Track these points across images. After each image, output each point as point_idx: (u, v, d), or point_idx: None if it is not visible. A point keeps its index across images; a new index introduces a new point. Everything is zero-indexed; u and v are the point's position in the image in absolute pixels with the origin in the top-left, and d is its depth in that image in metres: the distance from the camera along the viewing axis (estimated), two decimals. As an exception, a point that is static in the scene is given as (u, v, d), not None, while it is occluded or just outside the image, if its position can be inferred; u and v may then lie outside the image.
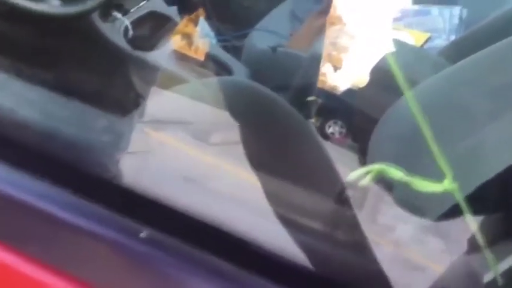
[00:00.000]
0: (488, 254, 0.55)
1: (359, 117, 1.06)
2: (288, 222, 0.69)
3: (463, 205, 0.55)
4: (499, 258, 0.58)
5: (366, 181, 0.53)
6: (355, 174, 0.53)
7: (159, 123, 0.89)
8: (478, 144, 0.79)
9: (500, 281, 0.54)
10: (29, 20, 0.84)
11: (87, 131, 0.72)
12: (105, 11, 1.00)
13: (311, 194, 0.73)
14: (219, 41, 1.46)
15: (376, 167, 0.54)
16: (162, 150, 0.83)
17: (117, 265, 0.56)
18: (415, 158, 0.85)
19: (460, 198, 0.54)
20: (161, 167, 0.76)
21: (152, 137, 0.86)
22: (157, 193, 0.60)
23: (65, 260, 0.57)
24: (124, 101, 0.85)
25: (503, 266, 0.57)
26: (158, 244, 0.54)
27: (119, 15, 1.03)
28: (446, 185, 0.55)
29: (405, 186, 0.55)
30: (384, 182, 0.65)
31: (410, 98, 0.58)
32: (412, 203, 0.66)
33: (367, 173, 0.53)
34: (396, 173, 0.55)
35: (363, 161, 0.93)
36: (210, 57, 1.22)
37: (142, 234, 0.53)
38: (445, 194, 0.55)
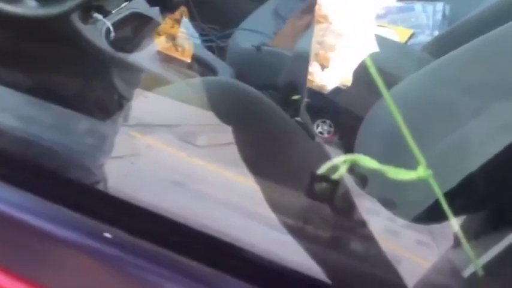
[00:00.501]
0: (468, 249, 0.55)
1: (344, 115, 1.06)
2: (291, 226, 0.68)
3: (440, 195, 0.54)
4: (484, 252, 0.58)
5: (340, 172, 0.51)
6: (329, 165, 0.51)
7: (145, 126, 0.88)
8: (461, 140, 0.79)
9: (481, 275, 0.54)
10: (6, 23, 0.82)
11: (68, 135, 0.70)
12: (86, 13, 0.98)
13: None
14: (203, 41, 1.45)
15: (349, 157, 0.52)
16: (149, 154, 0.82)
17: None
18: (399, 156, 0.85)
19: (435, 186, 0.53)
20: (149, 170, 0.75)
21: (139, 141, 0.84)
22: (141, 197, 0.58)
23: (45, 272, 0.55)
24: (107, 104, 0.84)
25: (485, 259, 0.57)
26: (136, 248, 0.52)
27: (99, 16, 1.01)
28: (421, 172, 0.53)
29: (380, 180, 0.54)
30: (359, 177, 0.64)
31: (388, 97, 0.57)
32: (388, 198, 0.66)
33: (341, 163, 0.52)
34: (370, 162, 0.53)
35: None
36: (195, 58, 1.21)
37: (107, 234, 0.51)
38: (422, 189, 0.55)
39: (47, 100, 0.70)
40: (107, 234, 0.52)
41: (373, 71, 0.56)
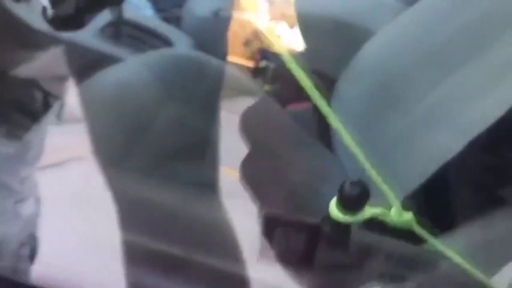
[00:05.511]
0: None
1: (315, 78, 0.99)
2: None
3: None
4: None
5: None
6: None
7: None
8: (448, 92, 0.75)
9: None
10: None
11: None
12: (17, -11, 0.87)
13: None
14: (156, 11, 1.35)
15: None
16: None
17: None
18: (378, 118, 0.80)
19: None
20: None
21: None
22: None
23: None
24: (31, 99, 0.71)
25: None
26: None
27: (33, -8, 0.91)
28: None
29: None
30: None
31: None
32: None
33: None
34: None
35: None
36: (146, 30, 1.12)
37: None
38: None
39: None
40: None
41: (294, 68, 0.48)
